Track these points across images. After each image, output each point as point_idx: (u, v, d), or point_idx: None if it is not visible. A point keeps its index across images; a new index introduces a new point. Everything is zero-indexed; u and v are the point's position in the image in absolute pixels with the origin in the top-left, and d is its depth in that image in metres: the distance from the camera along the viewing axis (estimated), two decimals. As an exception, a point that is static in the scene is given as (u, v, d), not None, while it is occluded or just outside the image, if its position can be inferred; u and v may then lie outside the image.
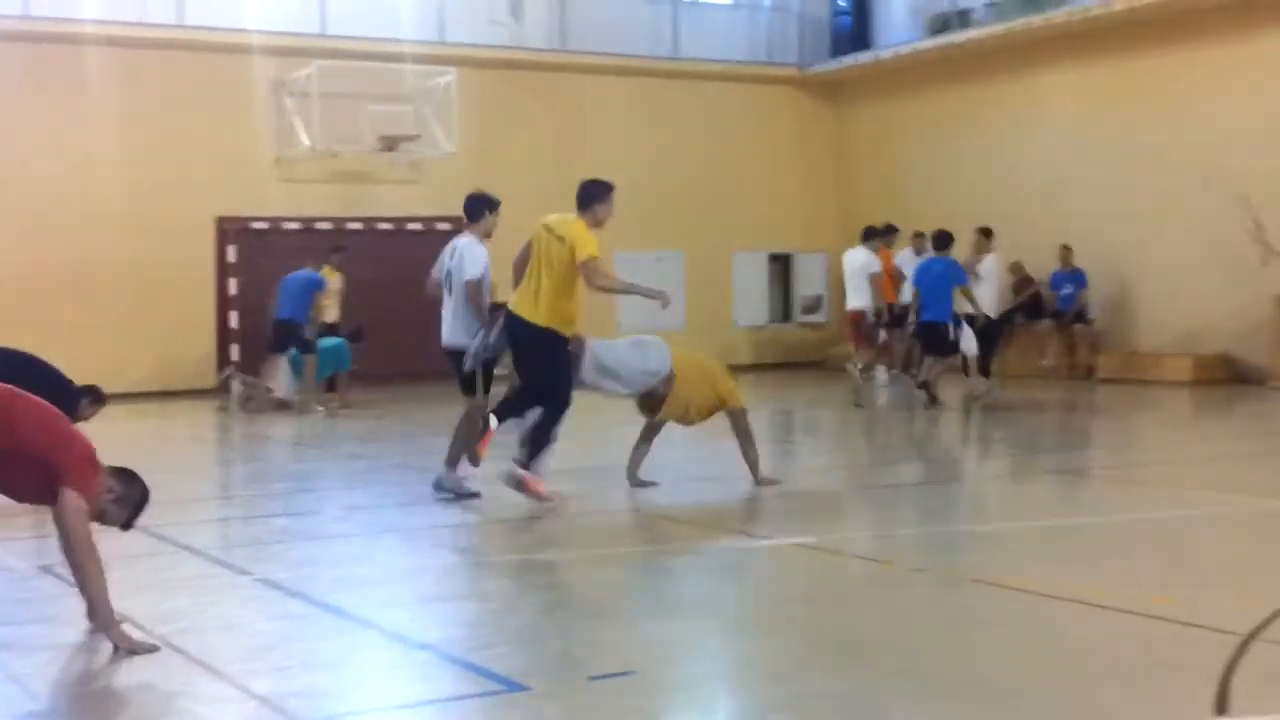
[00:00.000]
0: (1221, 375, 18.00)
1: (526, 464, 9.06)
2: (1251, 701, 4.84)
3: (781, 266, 24.29)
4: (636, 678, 5.28)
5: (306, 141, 19.58)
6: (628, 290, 9.64)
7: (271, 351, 17.20)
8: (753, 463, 9.81)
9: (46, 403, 5.85)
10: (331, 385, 17.17)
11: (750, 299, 23.83)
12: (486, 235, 9.72)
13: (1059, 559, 7.55)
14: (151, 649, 5.62)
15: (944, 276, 15.67)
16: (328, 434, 14.90)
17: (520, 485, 9.00)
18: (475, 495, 9.42)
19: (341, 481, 11.45)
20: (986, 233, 17.22)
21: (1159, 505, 9.39)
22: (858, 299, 17.93)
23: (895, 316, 18.46)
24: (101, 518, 5.87)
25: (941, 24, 21.71)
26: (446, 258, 9.78)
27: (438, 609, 6.67)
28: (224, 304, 19.71)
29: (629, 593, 7.00)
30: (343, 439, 14.41)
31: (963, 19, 21.43)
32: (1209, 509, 9.21)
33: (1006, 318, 19.18)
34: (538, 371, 9.11)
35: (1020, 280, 19.89)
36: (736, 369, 22.27)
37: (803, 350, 24.15)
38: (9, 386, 5.82)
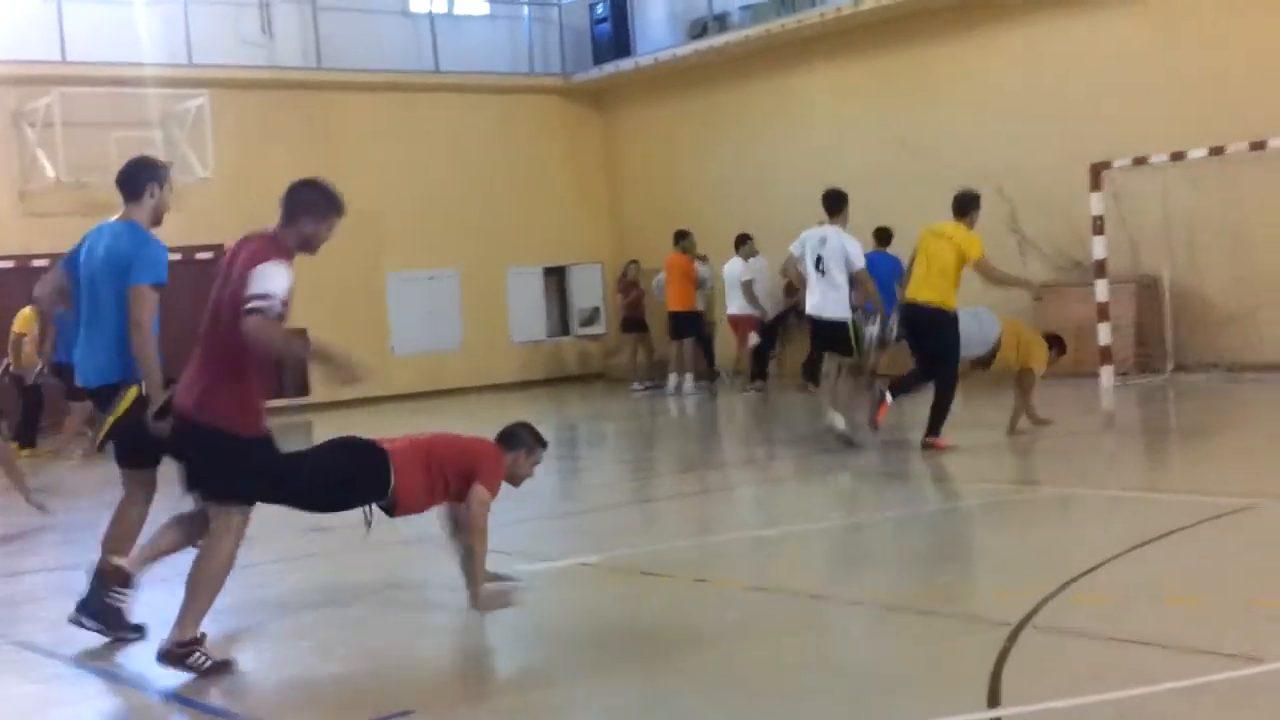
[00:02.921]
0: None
1: (936, 432, 11.21)
2: (1024, 690, 4.89)
3: (557, 279, 24.20)
4: (415, 718, 5.09)
5: (51, 173, 18.72)
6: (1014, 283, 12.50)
7: (70, 399, 16.07)
8: (1016, 414, 12.01)
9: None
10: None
11: (527, 314, 23.66)
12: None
13: (837, 560, 7.59)
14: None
15: (890, 274, 15.14)
16: (99, 481, 14.19)
17: (932, 447, 11.14)
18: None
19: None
20: (746, 238, 18.90)
21: (932, 498, 9.56)
22: (735, 305, 19.04)
23: (688, 322, 19.02)
24: None
25: (700, 29, 21.90)
26: (816, 243, 11.95)
27: (247, 646, 6.34)
28: (-32, 351, 18.66)
29: (418, 631, 6.75)
30: (102, 485, 13.74)
31: (720, 23, 21.66)
32: (976, 500, 9.41)
33: (780, 319, 19.51)
34: (939, 350, 11.28)
35: (790, 283, 20.19)
36: (515, 386, 22.24)
37: (582, 363, 24.13)
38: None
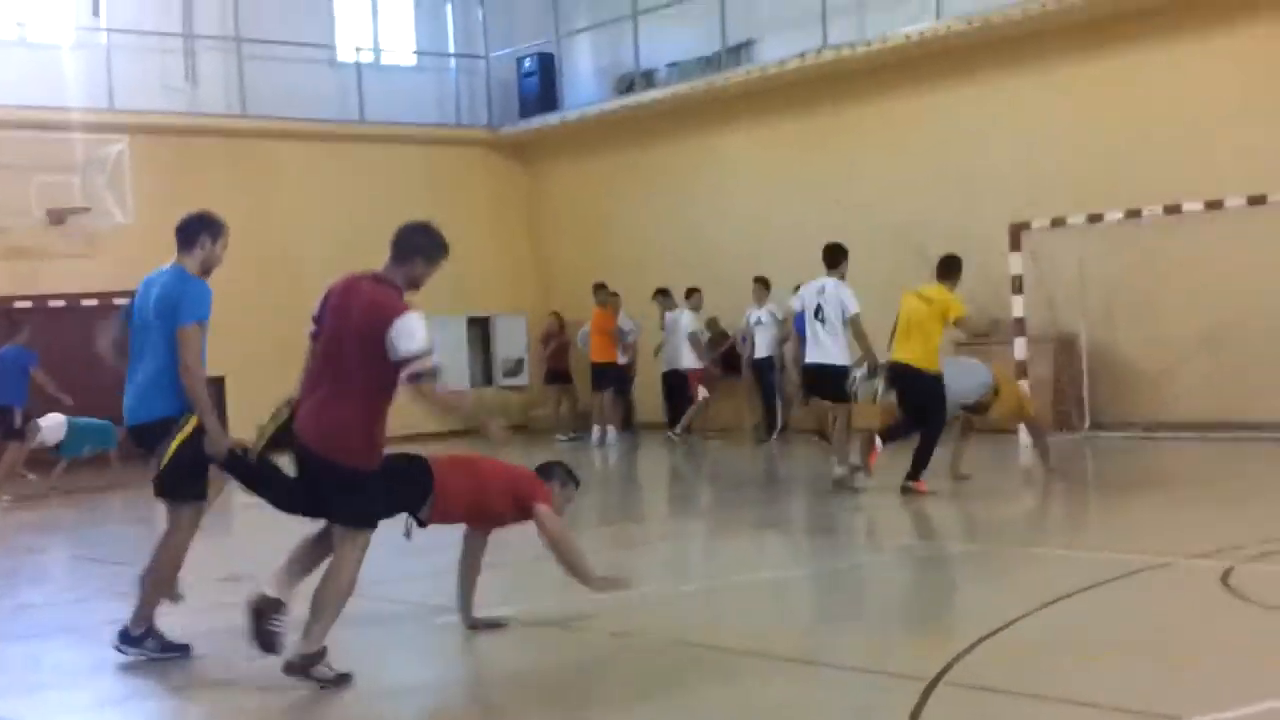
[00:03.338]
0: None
1: (916, 476, 11.63)
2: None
3: (481, 329, 24.12)
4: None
5: (-29, 216, 18.43)
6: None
7: (5, 439, 15.74)
8: (1043, 453, 12.66)
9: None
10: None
11: (450, 364, 23.52)
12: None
13: (754, 615, 7.57)
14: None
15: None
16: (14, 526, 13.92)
17: (913, 490, 11.57)
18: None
19: (10, 578, 10.65)
20: (664, 291, 19.47)
21: (853, 552, 9.58)
22: (688, 360, 19.24)
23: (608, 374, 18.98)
24: None
25: (627, 85, 22.05)
26: (814, 293, 12.60)
27: (118, 710, 6.20)
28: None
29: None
30: (19, 529, 13.49)
31: (648, 79, 21.82)
32: (894, 555, 9.44)
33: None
34: (923, 404, 11.80)
35: (717, 335, 20.29)
36: (437, 436, 22.16)
37: (505, 414, 23.96)
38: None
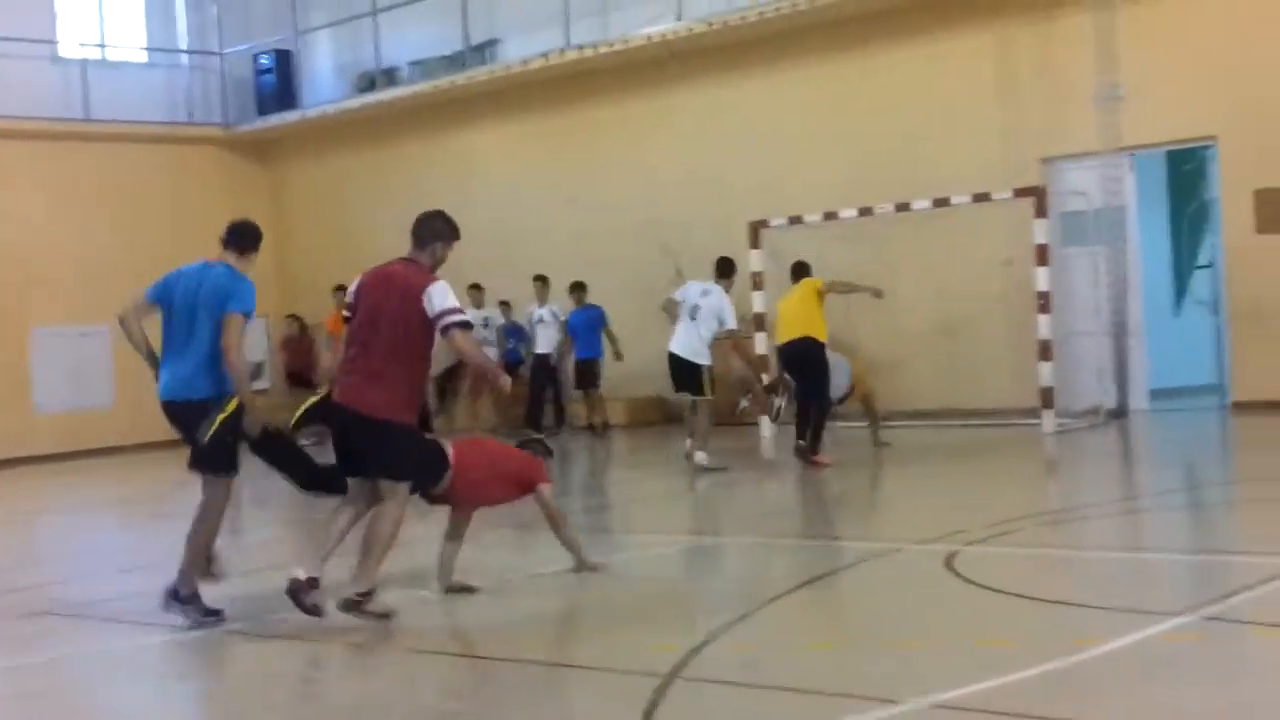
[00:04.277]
0: (656, 417, 18.81)
1: (814, 448, 12.72)
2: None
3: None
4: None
5: None
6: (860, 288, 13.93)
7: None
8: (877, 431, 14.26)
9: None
10: None
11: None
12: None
13: (494, 620, 7.48)
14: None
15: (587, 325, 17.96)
16: None
17: (811, 462, 12.59)
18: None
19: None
20: None
21: (593, 552, 9.52)
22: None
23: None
24: None
25: (368, 82, 21.69)
26: (698, 293, 13.23)
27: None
28: None
29: (58, 705, 6.29)
30: None
31: (389, 77, 21.50)
32: (639, 551, 9.47)
33: (448, 373, 19.40)
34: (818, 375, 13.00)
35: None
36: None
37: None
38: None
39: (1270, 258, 15.07)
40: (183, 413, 7.50)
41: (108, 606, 8.44)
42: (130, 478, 18.12)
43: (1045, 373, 15.06)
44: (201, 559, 7.57)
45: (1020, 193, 15.29)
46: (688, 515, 11.33)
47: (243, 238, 7.85)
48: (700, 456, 13.05)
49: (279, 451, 7.69)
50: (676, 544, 9.71)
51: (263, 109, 22.78)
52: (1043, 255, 15.03)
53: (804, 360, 13.20)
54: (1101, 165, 15.95)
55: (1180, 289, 18.83)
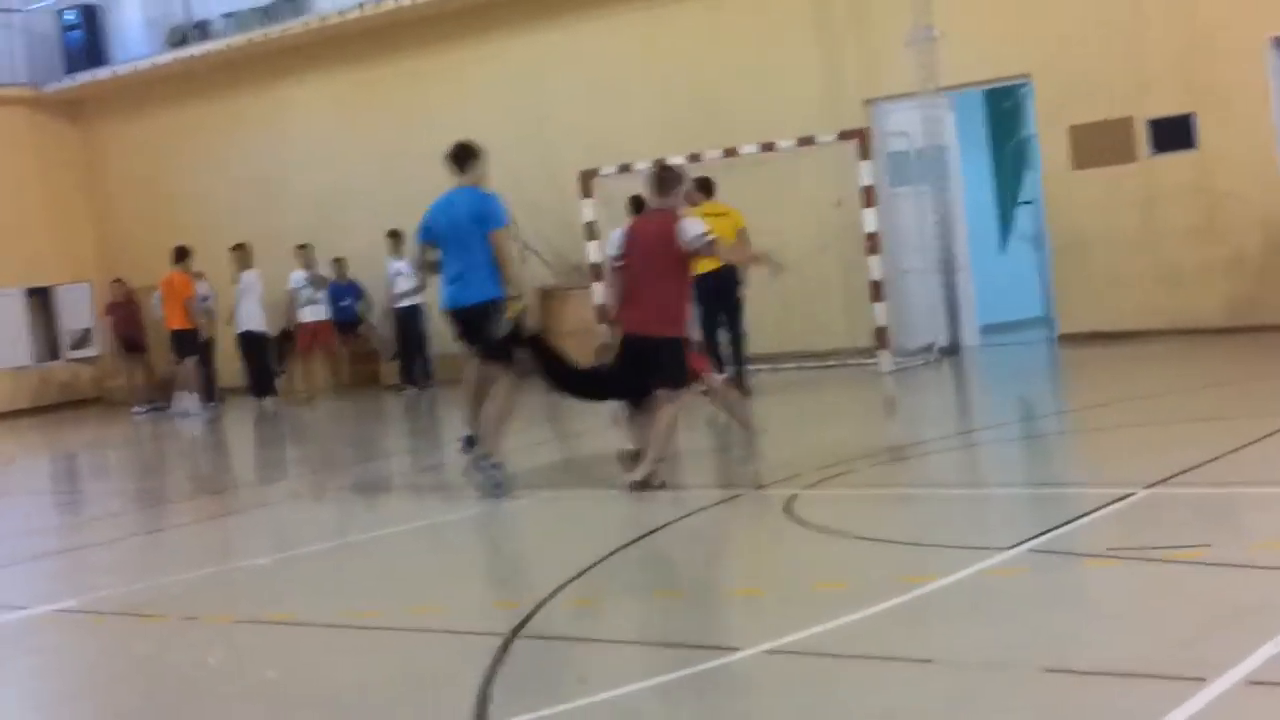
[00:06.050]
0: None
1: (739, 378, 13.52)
2: (513, 703, 4.85)
3: (41, 300, 22.63)
4: None
5: None
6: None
7: None
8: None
9: None
10: None
11: (9, 338, 22.00)
12: None
13: (326, 583, 7.37)
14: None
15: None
16: None
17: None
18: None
19: None
20: (240, 247, 18.58)
21: (430, 512, 9.43)
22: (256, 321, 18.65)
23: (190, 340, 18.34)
24: None
25: (180, 37, 21.03)
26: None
27: None
28: None
29: None
30: None
31: (202, 31, 20.88)
32: (476, 510, 9.40)
33: (285, 334, 19.02)
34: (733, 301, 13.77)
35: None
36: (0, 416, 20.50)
37: (77, 388, 22.71)
38: None
39: (1088, 193, 15.49)
40: (466, 316, 8.89)
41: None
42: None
43: (880, 312, 15.30)
44: (498, 434, 9.10)
45: (845, 135, 15.46)
46: (527, 468, 11.27)
47: (459, 158, 9.30)
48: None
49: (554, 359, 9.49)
50: (517, 498, 9.66)
51: (71, 67, 21.98)
52: (870, 196, 15.24)
53: (733, 289, 13.56)
54: (921, 106, 16.18)
55: (1005, 225, 19.25)
